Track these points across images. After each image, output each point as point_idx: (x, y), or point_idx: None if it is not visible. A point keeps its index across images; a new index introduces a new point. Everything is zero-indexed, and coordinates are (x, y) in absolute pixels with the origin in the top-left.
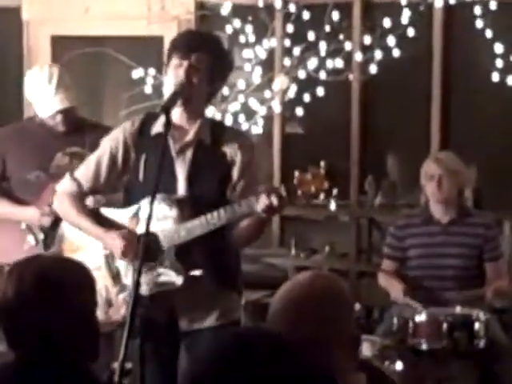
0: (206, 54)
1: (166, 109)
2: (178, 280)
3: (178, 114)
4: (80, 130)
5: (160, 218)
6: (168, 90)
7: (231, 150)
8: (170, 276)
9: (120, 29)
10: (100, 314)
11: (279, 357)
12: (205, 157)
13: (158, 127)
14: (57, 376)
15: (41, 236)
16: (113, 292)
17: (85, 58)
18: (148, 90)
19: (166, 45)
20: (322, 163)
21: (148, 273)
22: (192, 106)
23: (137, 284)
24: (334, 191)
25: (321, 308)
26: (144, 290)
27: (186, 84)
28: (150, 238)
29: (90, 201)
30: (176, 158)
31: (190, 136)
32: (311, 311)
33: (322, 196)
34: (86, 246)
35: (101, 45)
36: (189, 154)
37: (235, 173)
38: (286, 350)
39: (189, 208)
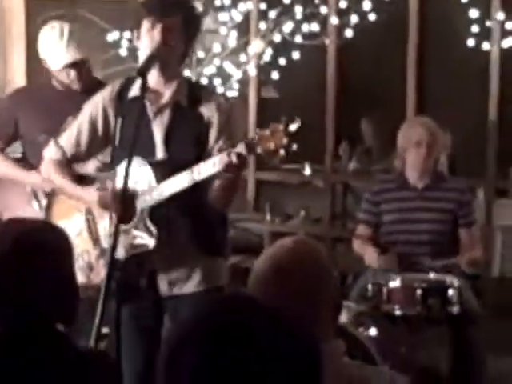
0: (179, 15)
1: (143, 72)
2: (151, 242)
3: (154, 77)
4: (94, 90)
5: (137, 181)
6: (143, 53)
7: (208, 111)
8: (144, 238)
9: None
10: (81, 277)
11: (264, 321)
12: (181, 118)
13: (134, 91)
14: (34, 340)
15: (44, 202)
16: (93, 256)
17: (59, 20)
18: (123, 52)
19: None
20: (293, 126)
21: (124, 235)
22: (168, 68)
23: (113, 246)
24: (294, 147)
25: (304, 272)
26: (120, 252)
27: (162, 47)
28: (127, 197)
29: (91, 166)
30: (153, 120)
31: (166, 98)
32: (295, 275)
33: (282, 152)
34: (70, 212)
35: (75, 6)
36: (166, 116)
37: (212, 134)
38: (273, 315)
39: (165, 170)
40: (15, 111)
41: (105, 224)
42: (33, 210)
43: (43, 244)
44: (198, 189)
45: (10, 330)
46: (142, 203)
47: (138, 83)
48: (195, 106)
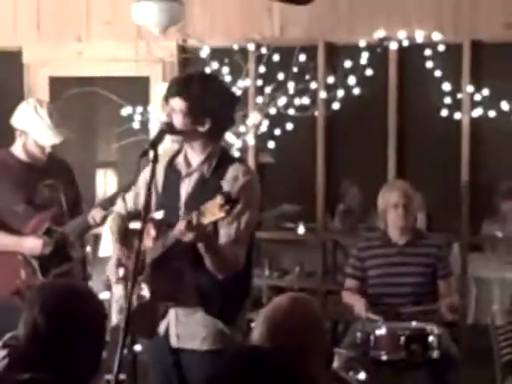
0: (182, 98)
1: (154, 144)
2: (146, 293)
3: (188, 148)
4: (50, 162)
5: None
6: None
7: (227, 184)
8: (144, 290)
9: (110, 70)
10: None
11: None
12: (202, 189)
13: (176, 160)
14: None
15: (36, 264)
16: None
17: (79, 97)
18: (136, 125)
19: (152, 84)
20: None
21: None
22: (189, 141)
23: (130, 300)
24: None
25: (302, 327)
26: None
27: (169, 124)
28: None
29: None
30: (182, 181)
31: (193, 167)
32: (294, 330)
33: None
34: None
35: (93, 84)
36: (192, 183)
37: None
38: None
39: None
40: None
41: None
42: (24, 276)
43: (84, 311)
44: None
45: None
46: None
47: (181, 155)
48: (218, 178)
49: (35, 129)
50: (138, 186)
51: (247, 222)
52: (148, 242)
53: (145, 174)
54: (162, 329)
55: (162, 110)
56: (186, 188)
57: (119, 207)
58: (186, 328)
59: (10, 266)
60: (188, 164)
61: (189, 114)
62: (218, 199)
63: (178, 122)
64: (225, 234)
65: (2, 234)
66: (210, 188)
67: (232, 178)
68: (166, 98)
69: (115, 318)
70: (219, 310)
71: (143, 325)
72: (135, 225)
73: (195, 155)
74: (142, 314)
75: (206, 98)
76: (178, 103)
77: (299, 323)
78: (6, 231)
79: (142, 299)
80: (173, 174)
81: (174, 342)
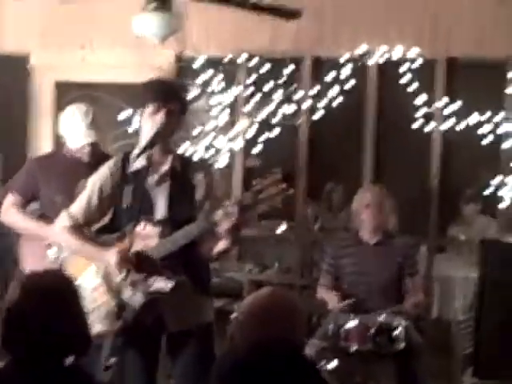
0: (178, 101)
1: (150, 147)
2: (168, 285)
3: (157, 152)
4: (102, 162)
5: (144, 238)
6: (145, 132)
7: (196, 176)
8: (161, 283)
9: (111, 76)
10: (102, 326)
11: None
12: (178, 185)
13: (137, 164)
14: (43, 370)
15: (60, 255)
16: (112, 306)
17: (82, 100)
18: (132, 128)
19: None
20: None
21: (141, 284)
22: (167, 144)
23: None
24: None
25: (280, 319)
26: (137, 298)
27: (162, 130)
28: (142, 254)
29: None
30: (155, 187)
31: (165, 168)
32: (272, 322)
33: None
34: (86, 268)
35: (95, 89)
36: (167, 182)
37: (199, 193)
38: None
39: (168, 227)
40: (37, 174)
41: (121, 277)
42: (49, 263)
43: (54, 289)
44: (193, 243)
45: (19, 357)
46: (157, 253)
47: (141, 158)
48: (187, 173)
49: (67, 132)
50: (90, 191)
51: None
52: (152, 241)
53: (98, 179)
54: (150, 318)
55: (143, 115)
56: (163, 188)
57: (66, 221)
58: (177, 312)
59: (41, 249)
60: (157, 167)
61: (179, 114)
62: (276, 175)
63: (173, 122)
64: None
65: (30, 219)
66: (183, 182)
67: (201, 172)
68: (162, 103)
69: (100, 325)
70: (202, 285)
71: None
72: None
73: (163, 154)
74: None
75: (187, 101)
76: (175, 105)
77: (277, 315)
78: (39, 220)
79: (156, 293)
80: (134, 180)
81: (169, 328)
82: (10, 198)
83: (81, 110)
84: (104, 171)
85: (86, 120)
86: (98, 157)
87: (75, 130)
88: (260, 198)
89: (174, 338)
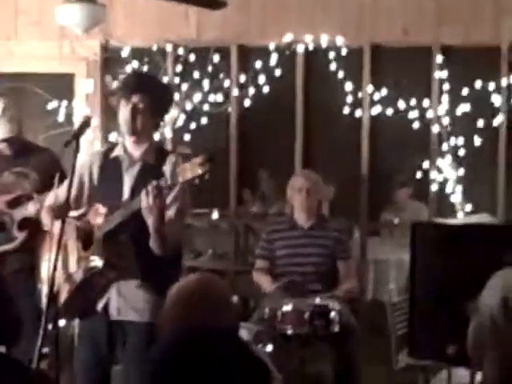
0: (145, 94)
1: (76, 136)
2: (99, 263)
3: (130, 142)
4: (24, 152)
5: (96, 216)
6: (120, 123)
7: (167, 168)
8: (95, 261)
9: (37, 67)
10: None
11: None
12: (148, 173)
13: (115, 152)
14: None
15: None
16: (62, 279)
17: (9, 91)
18: (61, 118)
19: (77, 81)
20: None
21: (84, 261)
22: (138, 135)
23: (53, 272)
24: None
25: (203, 302)
26: (79, 275)
27: (129, 123)
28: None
29: (31, 208)
30: (125, 173)
31: (136, 157)
32: (198, 304)
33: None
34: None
35: (22, 81)
36: (135, 170)
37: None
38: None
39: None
40: None
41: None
42: None
43: None
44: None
45: None
46: (102, 229)
47: (119, 146)
48: (159, 165)
49: None
50: (78, 176)
51: (185, 203)
52: (98, 220)
53: (79, 167)
54: (101, 304)
55: (117, 105)
56: (130, 176)
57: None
58: (127, 301)
59: None
60: (130, 155)
61: (151, 107)
62: (198, 158)
63: (140, 115)
64: (172, 214)
65: None
66: (153, 174)
67: (172, 165)
68: (126, 93)
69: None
70: (155, 284)
71: (84, 302)
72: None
73: (136, 147)
74: (86, 288)
75: (162, 93)
76: (140, 98)
77: (202, 302)
78: None
79: (93, 270)
80: (111, 166)
81: (114, 315)
82: None
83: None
84: (87, 159)
85: (4, 114)
86: (20, 148)
87: None
88: (177, 181)
89: (122, 327)
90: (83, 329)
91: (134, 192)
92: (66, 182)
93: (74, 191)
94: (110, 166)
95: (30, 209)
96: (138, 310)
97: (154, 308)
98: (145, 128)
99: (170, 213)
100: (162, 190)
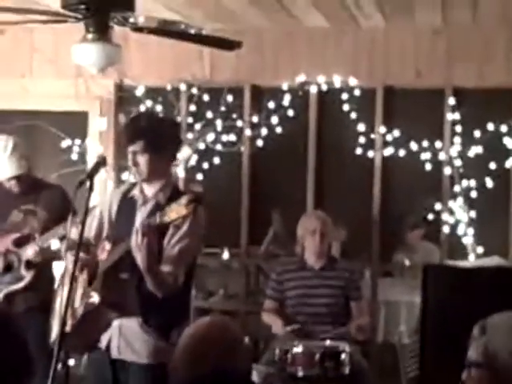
0: (143, 140)
1: (90, 175)
2: (96, 299)
3: (144, 184)
4: (34, 189)
5: (101, 252)
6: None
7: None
8: (94, 297)
9: (52, 105)
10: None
11: None
12: (156, 213)
13: (133, 192)
14: None
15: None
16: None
17: (23, 129)
18: (74, 157)
19: (91, 119)
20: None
21: (86, 297)
22: (146, 178)
23: (65, 311)
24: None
25: (217, 347)
26: (80, 309)
27: (137, 170)
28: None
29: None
30: (138, 211)
31: (149, 196)
32: (211, 349)
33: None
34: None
35: (36, 118)
36: (147, 209)
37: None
38: None
39: None
40: None
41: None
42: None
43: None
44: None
45: None
46: (105, 264)
47: (137, 186)
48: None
49: None
50: (99, 214)
51: (189, 245)
52: (102, 256)
53: (100, 205)
54: (104, 341)
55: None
56: (141, 214)
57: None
58: (126, 340)
59: None
60: (144, 195)
61: (152, 150)
62: (183, 199)
63: (142, 160)
64: (168, 254)
65: None
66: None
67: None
68: (125, 143)
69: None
70: (156, 325)
71: (84, 338)
72: None
73: (150, 186)
74: (86, 324)
75: (162, 136)
76: (139, 144)
77: (215, 346)
78: None
79: (90, 306)
80: (128, 204)
81: (115, 354)
82: None
83: (1, 141)
84: (107, 197)
85: (5, 153)
86: (30, 185)
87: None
88: (165, 221)
89: (122, 366)
90: (88, 367)
91: None
92: (88, 220)
93: (94, 229)
94: (127, 204)
95: (28, 252)
96: (136, 351)
97: (153, 350)
98: (152, 170)
99: (172, 252)
100: (152, 229)
